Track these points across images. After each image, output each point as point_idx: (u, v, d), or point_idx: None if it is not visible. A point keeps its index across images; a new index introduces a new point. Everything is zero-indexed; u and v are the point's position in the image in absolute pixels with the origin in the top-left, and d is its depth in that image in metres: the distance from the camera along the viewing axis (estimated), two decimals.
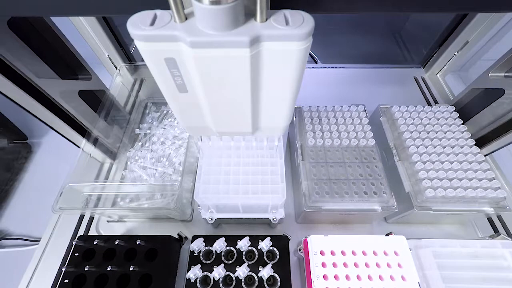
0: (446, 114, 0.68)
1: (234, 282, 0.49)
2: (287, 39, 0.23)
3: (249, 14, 0.23)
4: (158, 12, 0.23)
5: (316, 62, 1.20)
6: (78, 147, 0.64)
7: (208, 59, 0.24)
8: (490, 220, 0.68)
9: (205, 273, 0.49)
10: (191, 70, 0.26)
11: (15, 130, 1.18)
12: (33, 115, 0.54)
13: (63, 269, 0.48)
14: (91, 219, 0.70)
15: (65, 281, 0.47)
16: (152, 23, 0.23)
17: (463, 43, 0.85)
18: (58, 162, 1.14)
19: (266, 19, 0.23)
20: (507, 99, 0.64)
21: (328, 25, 1.44)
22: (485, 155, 0.69)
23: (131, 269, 0.48)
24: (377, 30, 1.43)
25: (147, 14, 0.23)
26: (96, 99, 0.73)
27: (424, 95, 0.95)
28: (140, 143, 0.82)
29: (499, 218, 0.68)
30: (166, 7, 0.22)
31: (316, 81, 1.00)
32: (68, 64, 0.61)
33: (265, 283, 0.49)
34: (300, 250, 0.55)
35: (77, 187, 0.57)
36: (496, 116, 0.66)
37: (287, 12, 0.23)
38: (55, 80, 0.56)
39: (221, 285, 0.48)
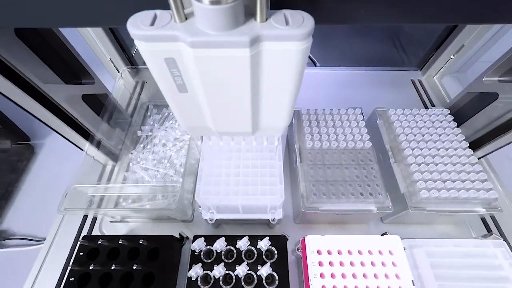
0: (441, 117, 0.69)
1: (234, 280, 0.51)
2: (287, 39, 0.23)
3: (249, 14, 0.23)
4: (158, 12, 0.23)
5: (315, 65, 1.22)
6: (82, 150, 0.66)
7: (208, 59, 0.24)
8: (483, 220, 0.69)
9: (205, 271, 0.51)
10: (191, 70, 0.26)
11: (18, 132, 1.20)
12: (39, 119, 0.55)
13: (69, 268, 0.49)
14: (95, 219, 0.72)
15: (71, 279, 0.49)
16: (152, 23, 0.23)
17: (459, 46, 0.87)
18: (61, 163, 1.15)
19: (266, 19, 0.23)
20: (501, 103, 0.65)
21: (326, 27, 1.46)
22: (479, 158, 0.71)
23: (134, 267, 0.49)
24: (375, 33, 1.44)
25: (147, 14, 0.23)
26: (98, 102, 0.74)
27: (421, 97, 0.97)
28: (141, 145, 0.84)
29: (492, 218, 0.70)
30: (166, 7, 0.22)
31: (314, 84, 1.02)
32: (72, 69, 0.63)
33: (263, 282, 0.51)
34: (298, 249, 0.56)
35: (81, 189, 0.59)
36: (490, 119, 0.68)
37: (287, 12, 0.23)
38: (60, 85, 0.58)
39: (221, 283, 0.50)
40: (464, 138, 0.64)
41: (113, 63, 0.93)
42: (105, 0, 0.27)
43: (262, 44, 0.23)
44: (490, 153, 0.70)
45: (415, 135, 0.66)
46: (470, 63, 1.48)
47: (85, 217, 0.72)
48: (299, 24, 0.23)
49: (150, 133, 0.86)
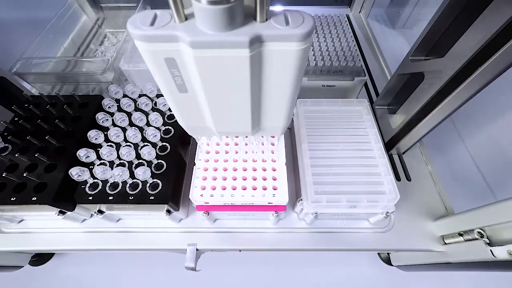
0: None
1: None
2: (287, 39, 0.23)
3: (249, 14, 0.23)
4: (158, 12, 0.23)
5: None
6: None
7: (208, 59, 0.24)
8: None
9: None
10: (191, 70, 0.25)
11: None
12: None
13: None
14: None
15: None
16: (152, 23, 0.23)
17: None
18: None
19: (266, 19, 0.23)
20: (426, 84, 0.56)
21: None
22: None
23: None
24: None
25: (147, 14, 0.23)
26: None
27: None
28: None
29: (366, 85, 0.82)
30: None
31: None
32: None
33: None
34: None
35: None
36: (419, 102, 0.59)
37: (287, 12, 0.23)
38: None
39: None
40: None
41: None
42: None
43: (262, 44, 0.23)
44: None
45: None
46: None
47: None
48: (299, 24, 0.23)
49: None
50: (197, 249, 0.54)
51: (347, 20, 0.76)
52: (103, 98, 0.60)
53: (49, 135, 0.52)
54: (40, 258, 0.75)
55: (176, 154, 0.53)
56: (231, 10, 0.21)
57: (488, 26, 0.42)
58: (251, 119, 0.32)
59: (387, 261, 0.75)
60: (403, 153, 0.69)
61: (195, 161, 0.50)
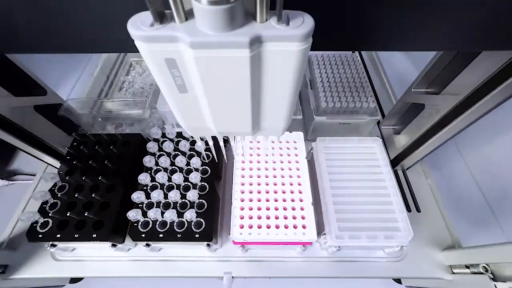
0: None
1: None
2: (287, 40, 0.23)
3: (249, 15, 0.23)
4: None
5: None
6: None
7: (208, 60, 0.24)
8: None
9: None
10: (191, 70, 0.26)
11: None
12: None
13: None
14: None
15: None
16: (152, 24, 0.23)
17: None
18: None
19: (266, 20, 0.23)
20: (426, 113, 0.66)
21: None
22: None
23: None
24: None
25: (147, 15, 0.23)
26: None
27: None
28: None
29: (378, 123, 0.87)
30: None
31: None
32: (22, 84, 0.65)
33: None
34: None
35: None
36: (420, 128, 0.68)
37: (288, 12, 0.23)
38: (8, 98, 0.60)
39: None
40: None
41: None
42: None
43: (262, 44, 0.24)
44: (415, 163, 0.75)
45: None
46: None
47: None
48: (299, 25, 0.23)
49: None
50: (232, 277, 0.60)
51: (359, 59, 0.83)
52: (143, 138, 0.67)
53: (100, 175, 0.59)
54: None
55: (214, 192, 0.60)
56: (231, 11, 0.21)
57: (479, 71, 0.49)
58: (251, 119, 0.33)
59: (398, 280, 0.81)
60: (407, 169, 0.77)
61: (232, 200, 0.56)
